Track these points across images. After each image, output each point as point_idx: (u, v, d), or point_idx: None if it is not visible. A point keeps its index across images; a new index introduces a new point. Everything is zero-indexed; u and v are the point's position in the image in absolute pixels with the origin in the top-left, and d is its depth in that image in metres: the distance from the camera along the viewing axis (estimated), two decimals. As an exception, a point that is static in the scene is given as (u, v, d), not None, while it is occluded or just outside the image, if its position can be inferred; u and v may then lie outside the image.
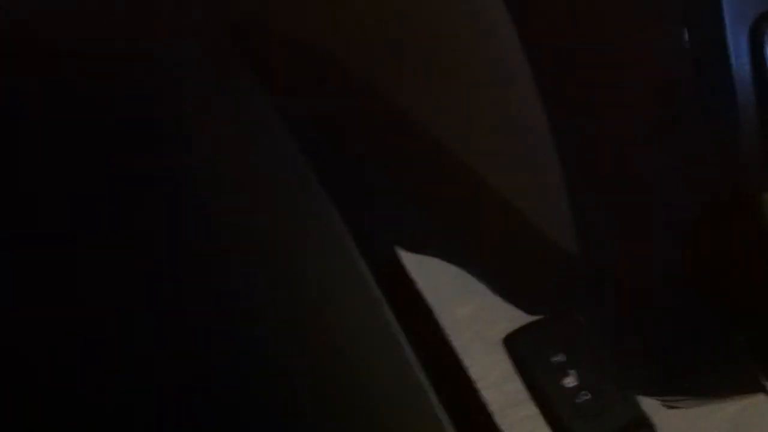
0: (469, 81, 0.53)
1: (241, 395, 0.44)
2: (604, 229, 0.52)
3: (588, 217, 0.52)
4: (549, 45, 0.54)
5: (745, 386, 0.48)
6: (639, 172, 0.53)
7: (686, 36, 0.49)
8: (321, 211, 0.49)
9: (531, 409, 0.47)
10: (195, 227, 0.48)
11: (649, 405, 0.48)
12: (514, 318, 0.50)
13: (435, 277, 0.50)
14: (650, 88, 0.53)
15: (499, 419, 0.47)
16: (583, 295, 0.51)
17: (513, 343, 0.49)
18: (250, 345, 0.45)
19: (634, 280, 0.51)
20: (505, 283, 0.51)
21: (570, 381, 0.47)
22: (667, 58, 0.51)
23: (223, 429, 0.43)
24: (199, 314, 0.45)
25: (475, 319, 0.49)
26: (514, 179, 0.52)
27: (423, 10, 0.52)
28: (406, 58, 0.51)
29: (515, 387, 0.48)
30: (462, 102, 0.53)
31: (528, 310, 0.50)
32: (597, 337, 0.49)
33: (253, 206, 0.50)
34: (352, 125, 0.51)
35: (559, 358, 0.48)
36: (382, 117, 0.52)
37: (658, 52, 0.51)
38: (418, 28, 0.52)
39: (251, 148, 0.52)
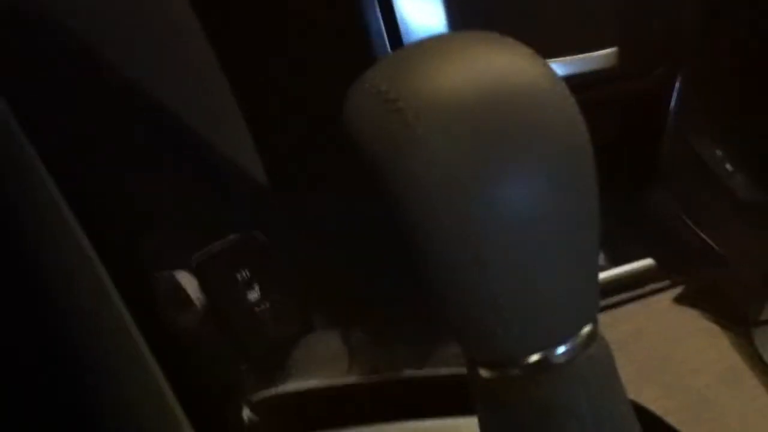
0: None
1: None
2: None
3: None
4: None
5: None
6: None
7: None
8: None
9: (218, 325, 0.51)
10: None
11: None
12: (203, 244, 0.53)
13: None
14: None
15: (189, 337, 0.50)
16: (270, 217, 0.54)
17: (201, 265, 0.53)
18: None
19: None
20: (190, 210, 0.54)
21: (252, 295, 0.51)
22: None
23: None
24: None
25: (166, 245, 0.52)
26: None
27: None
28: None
29: (205, 305, 0.52)
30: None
31: (216, 234, 0.53)
32: (280, 254, 0.53)
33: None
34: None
35: (244, 274, 0.52)
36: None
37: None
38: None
39: None
